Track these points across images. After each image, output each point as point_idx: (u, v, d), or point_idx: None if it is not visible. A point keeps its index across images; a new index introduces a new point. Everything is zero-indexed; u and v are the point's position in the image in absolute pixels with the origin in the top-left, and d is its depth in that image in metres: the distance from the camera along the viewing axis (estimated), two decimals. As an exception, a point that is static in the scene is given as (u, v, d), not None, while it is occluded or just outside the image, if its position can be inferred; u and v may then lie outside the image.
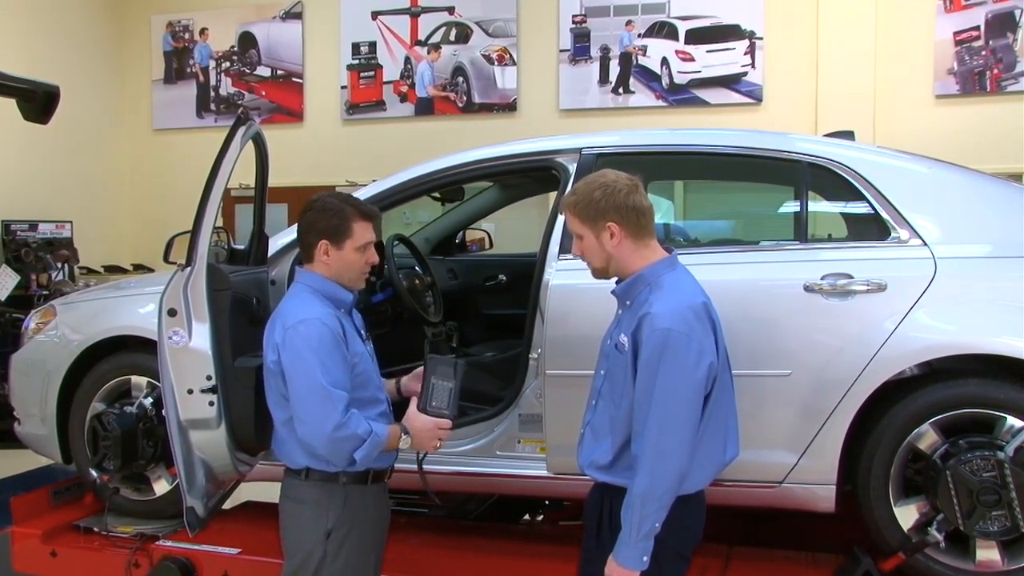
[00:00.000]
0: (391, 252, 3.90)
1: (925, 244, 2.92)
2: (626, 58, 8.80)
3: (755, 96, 8.42)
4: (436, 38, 9.40)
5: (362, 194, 3.48)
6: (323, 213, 2.66)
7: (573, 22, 8.92)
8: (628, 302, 2.46)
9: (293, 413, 2.58)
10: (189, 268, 3.04)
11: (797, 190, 3.17)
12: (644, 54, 8.74)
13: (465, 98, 9.29)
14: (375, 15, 9.55)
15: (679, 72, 8.61)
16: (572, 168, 3.30)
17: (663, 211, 5.83)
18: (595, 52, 8.86)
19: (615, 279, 2.51)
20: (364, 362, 2.69)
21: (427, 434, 2.65)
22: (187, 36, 10.32)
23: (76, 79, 9.31)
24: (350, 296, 2.73)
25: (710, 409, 2.36)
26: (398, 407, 2.84)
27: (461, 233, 4.90)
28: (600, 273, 2.52)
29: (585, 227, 2.45)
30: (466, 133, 8.83)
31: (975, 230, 2.99)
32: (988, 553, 2.77)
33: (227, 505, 3.64)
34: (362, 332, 2.81)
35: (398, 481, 2.91)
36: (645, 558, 2.27)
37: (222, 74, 10.19)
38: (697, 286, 2.44)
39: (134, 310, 3.69)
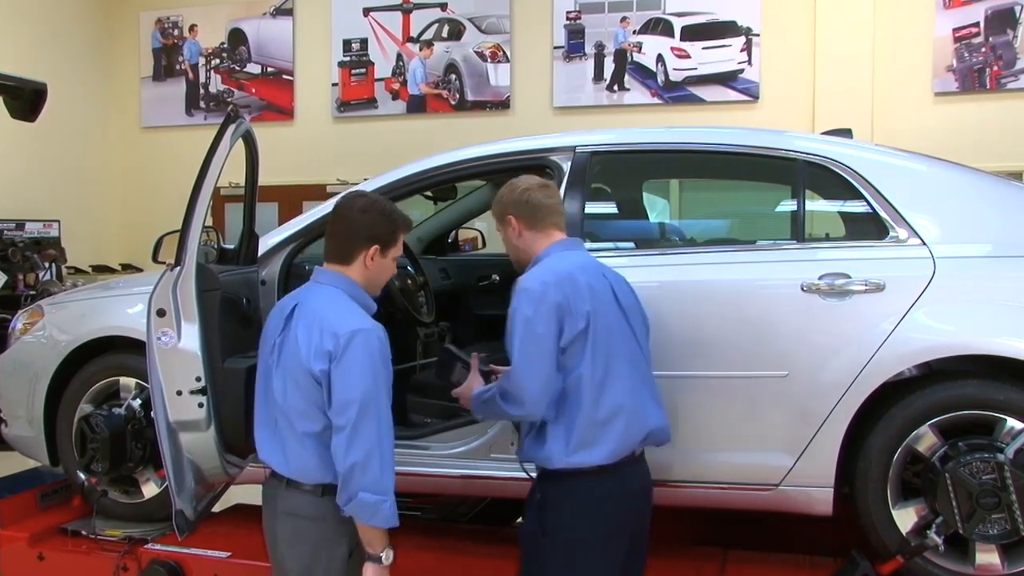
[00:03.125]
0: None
1: (924, 243, 2.90)
2: (621, 55, 8.77)
3: (752, 93, 8.40)
4: (428, 35, 9.36)
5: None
6: (382, 217, 2.58)
7: (567, 18, 8.89)
8: None
9: (340, 424, 2.37)
10: (178, 268, 3.01)
11: (794, 189, 3.15)
12: (639, 51, 8.72)
13: (458, 96, 9.26)
14: (366, 11, 9.51)
15: (675, 69, 8.60)
16: (566, 166, 3.28)
17: (658, 210, 5.82)
18: (589, 49, 8.84)
19: None
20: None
21: None
22: (176, 33, 10.27)
23: (63, 76, 9.26)
24: (375, 306, 2.63)
25: (595, 380, 2.49)
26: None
27: (454, 232, 4.87)
28: (519, 266, 2.72)
29: (499, 226, 2.75)
30: (459, 131, 8.79)
31: (975, 229, 2.97)
32: (988, 556, 2.75)
33: (216, 508, 3.60)
34: None
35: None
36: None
37: (212, 71, 10.14)
38: (578, 263, 2.60)
39: (122, 310, 3.65)
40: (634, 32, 8.73)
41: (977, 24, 7.85)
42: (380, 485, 2.36)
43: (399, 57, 9.47)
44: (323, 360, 2.39)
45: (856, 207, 3.07)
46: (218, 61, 10.11)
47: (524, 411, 2.52)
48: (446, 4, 9.29)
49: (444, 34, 9.32)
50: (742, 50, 8.40)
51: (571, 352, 2.49)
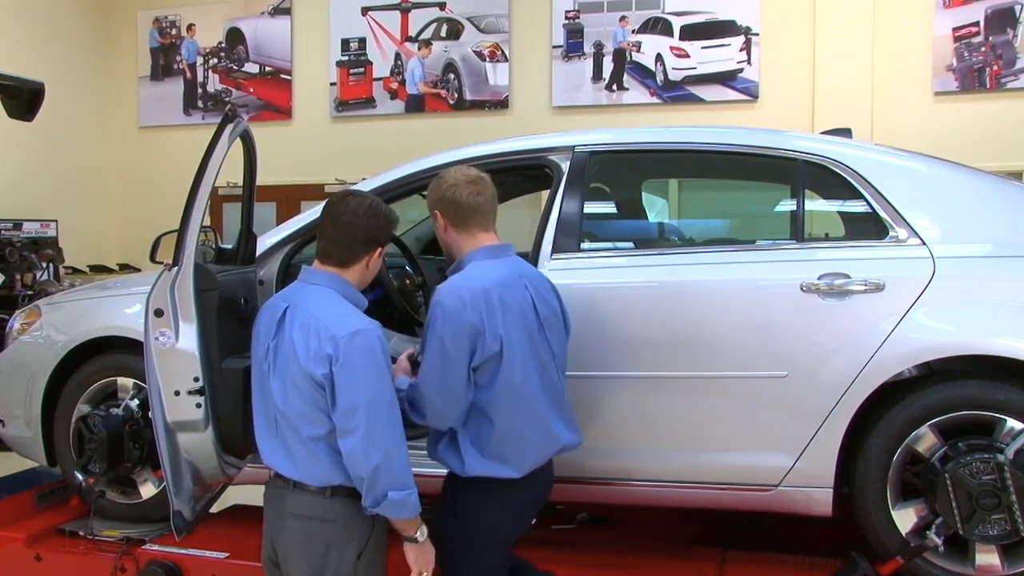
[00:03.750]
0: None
1: (924, 243, 2.89)
2: (620, 54, 8.76)
3: (751, 93, 8.39)
4: (427, 34, 9.35)
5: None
6: (385, 220, 2.60)
7: (566, 18, 8.88)
8: None
9: (343, 426, 2.37)
10: (176, 268, 3.00)
11: (794, 188, 3.14)
12: (638, 50, 8.71)
13: (456, 95, 9.25)
14: (365, 11, 9.50)
15: (674, 69, 8.59)
16: (565, 166, 3.27)
17: (657, 210, 5.81)
18: (588, 48, 8.83)
19: None
20: None
21: (431, 558, 2.54)
22: (174, 32, 10.25)
23: (61, 76, 9.25)
24: (366, 301, 2.63)
25: (506, 396, 2.52)
26: None
27: (452, 232, 4.84)
28: (448, 259, 2.74)
29: (431, 214, 2.72)
30: (457, 130, 8.78)
31: (974, 229, 2.96)
32: (988, 557, 2.75)
33: (215, 509, 3.59)
34: None
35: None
36: None
37: (209, 71, 10.12)
38: (498, 277, 2.55)
39: (120, 310, 3.64)
40: (633, 31, 8.72)
41: (977, 23, 7.84)
42: (403, 480, 2.39)
43: (397, 56, 9.45)
44: (324, 364, 2.37)
45: (856, 207, 3.06)
46: (216, 60, 10.10)
47: (426, 422, 2.58)
48: (444, 3, 9.28)
49: (443, 33, 9.31)
50: (741, 49, 8.39)
51: (483, 371, 2.51)
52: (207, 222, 3.17)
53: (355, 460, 2.37)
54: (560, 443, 2.66)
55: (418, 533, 2.48)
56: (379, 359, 2.39)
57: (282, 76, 9.87)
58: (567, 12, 8.87)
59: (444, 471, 2.69)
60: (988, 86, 7.83)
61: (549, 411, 2.60)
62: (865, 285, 2.86)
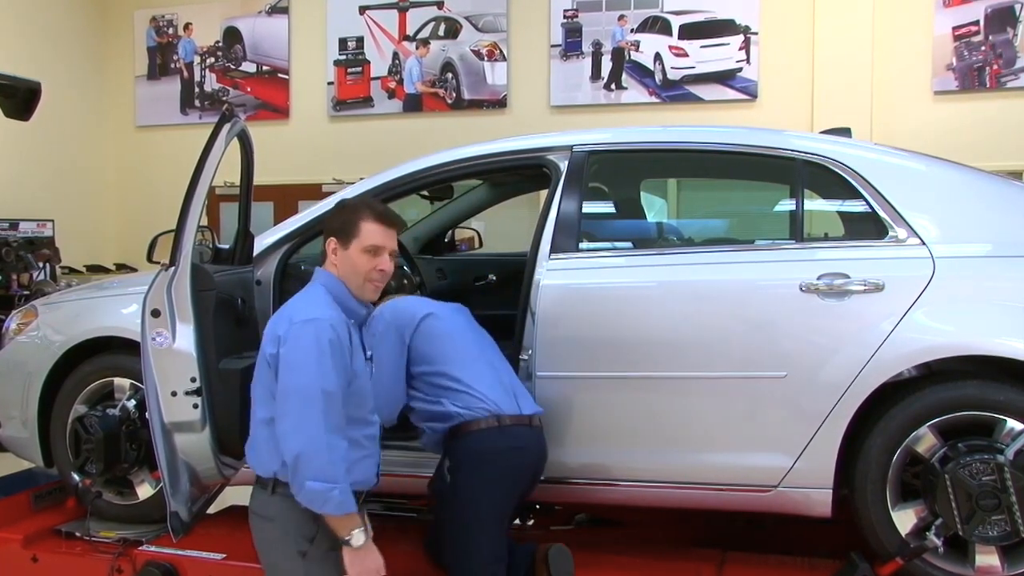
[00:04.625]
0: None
1: (923, 243, 2.88)
2: (618, 53, 8.75)
3: (750, 92, 8.38)
4: (425, 33, 9.33)
5: (349, 192, 3.43)
6: (338, 210, 2.65)
7: (564, 17, 8.86)
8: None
9: (277, 410, 2.43)
10: (173, 268, 3.00)
11: (793, 188, 3.14)
12: (637, 49, 8.70)
13: (454, 94, 9.23)
14: (362, 10, 9.48)
15: (672, 68, 8.57)
16: (563, 166, 3.26)
17: (656, 209, 5.81)
18: (587, 47, 8.82)
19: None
20: (362, 380, 2.57)
21: (370, 565, 2.47)
22: (171, 31, 10.23)
23: (58, 75, 9.22)
24: (362, 309, 2.62)
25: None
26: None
27: (450, 232, 4.85)
28: None
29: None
30: (455, 130, 8.77)
31: (974, 229, 2.95)
32: (988, 558, 2.74)
33: (212, 509, 3.61)
34: (366, 350, 2.70)
35: (387, 485, 2.87)
36: None
37: (207, 70, 10.10)
38: None
39: (117, 310, 3.63)
40: (632, 30, 8.71)
41: (977, 22, 7.83)
42: (327, 473, 2.36)
43: (395, 56, 9.44)
44: (274, 344, 2.45)
45: (855, 207, 3.06)
46: (213, 60, 10.08)
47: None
48: (442, 2, 9.26)
49: (440, 32, 9.29)
50: (740, 48, 8.38)
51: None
52: (204, 222, 3.17)
53: (282, 443, 2.40)
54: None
55: (351, 536, 2.42)
56: (325, 350, 2.39)
57: (279, 75, 9.85)
58: (565, 11, 8.85)
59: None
60: (988, 85, 7.82)
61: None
62: (864, 285, 2.86)
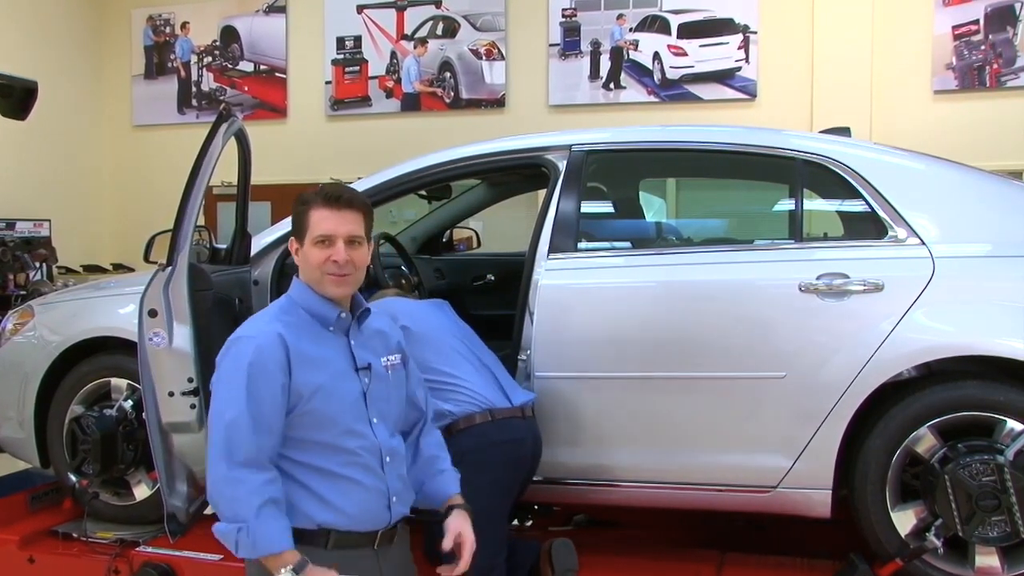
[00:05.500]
0: (377, 251, 3.87)
1: (923, 243, 2.88)
2: (617, 53, 8.74)
3: (749, 92, 8.37)
4: (423, 32, 9.32)
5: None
6: (293, 206, 2.33)
7: (563, 16, 8.85)
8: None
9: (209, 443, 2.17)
10: (170, 268, 3.00)
11: (792, 188, 3.13)
12: (635, 49, 8.69)
13: (452, 94, 9.22)
14: (360, 9, 9.47)
15: (671, 67, 8.56)
16: (562, 165, 3.25)
17: (655, 209, 5.80)
18: (585, 47, 8.80)
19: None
20: (322, 398, 2.19)
21: None
22: (168, 30, 10.21)
23: (54, 74, 9.20)
24: (332, 311, 2.27)
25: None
26: None
27: (448, 232, 4.84)
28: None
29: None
30: (453, 129, 8.76)
31: (974, 229, 2.95)
32: (987, 559, 2.73)
33: (209, 510, 3.58)
34: (359, 359, 2.30)
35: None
36: None
37: (204, 69, 10.08)
38: None
39: (114, 311, 3.62)
40: (630, 30, 8.70)
41: (977, 22, 7.82)
42: (231, 512, 2.09)
43: (393, 55, 9.42)
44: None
45: (855, 206, 3.05)
46: (210, 59, 10.06)
47: None
48: (440, 2, 9.25)
49: (438, 32, 9.28)
50: (739, 48, 8.37)
51: None
52: (201, 221, 3.16)
53: None
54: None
55: (281, 573, 2.07)
56: (235, 373, 2.13)
57: (277, 74, 9.84)
58: (564, 10, 8.84)
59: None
60: (988, 85, 7.81)
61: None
62: (864, 285, 2.85)
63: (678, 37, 8.53)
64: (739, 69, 8.38)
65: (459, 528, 2.34)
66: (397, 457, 2.34)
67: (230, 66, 9.99)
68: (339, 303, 2.30)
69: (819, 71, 8.04)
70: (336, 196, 2.27)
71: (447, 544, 2.31)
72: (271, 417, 2.14)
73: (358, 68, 9.52)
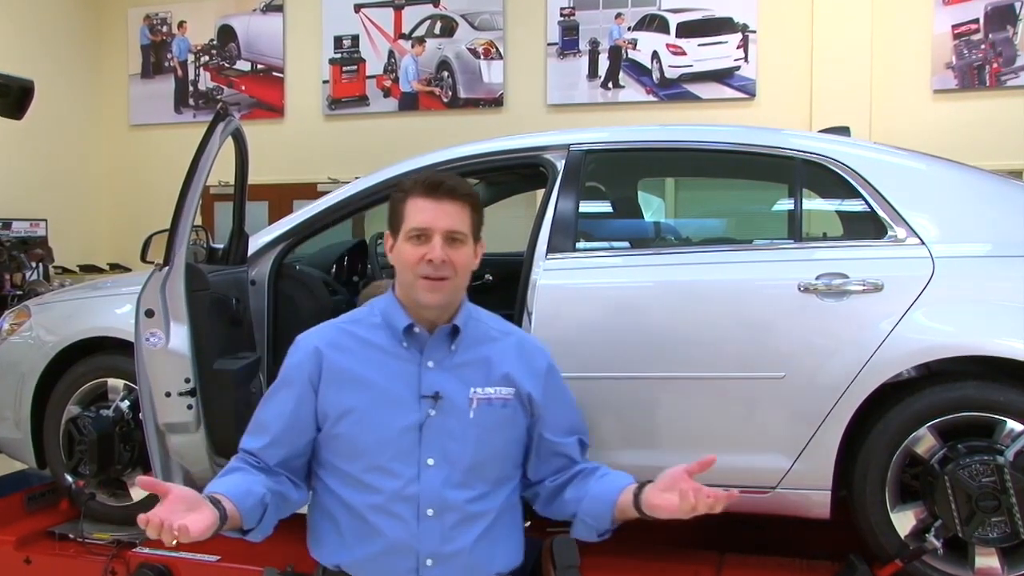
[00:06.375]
0: (374, 251, 3.87)
1: (923, 243, 2.86)
2: (616, 52, 8.74)
3: (748, 91, 8.37)
4: (420, 31, 9.31)
5: (345, 191, 3.42)
6: (392, 193, 2.09)
7: (561, 15, 8.85)
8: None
9: None
10: (167, 268, 2.99)
11: (791, 187, 3.11)
12: (634, 48, 8.69)
13: (450, 93, 9.21)
14: (358, 8, 9.46)
15: (670, 66, 8.56)
16: (560, 165, 3.24)
17: (654, 209, 5.78)
18: (584, 46, 8.80)
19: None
20: (352, 424, 1.97)
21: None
22: (165, 29, 10.20)
23: (51, 73, 9.18)
24: (400, 322, 2.01)
25: None
26: None
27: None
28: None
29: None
30: (451, 129, 8.74)
31: (974, 229, 2.94)
32: (987, 560, 2.71)
33: (207, 511, 3.57)
34: (426, 385, 2.00)
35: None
36: None
37: (201, 68, 10.07)
38: None
39: (111, 311, 3.60)
40: (629, 29, 8.70)
41: (977, 21, 7.82)
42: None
43: (391, 54, 9.41)
44: None
45: (854, 206, 3.03)
46: (207, 58, 10.04)
47: None
48: (438, 0, 9.24)
49: (436, 31, 9.27)
50: (738, 47, 8.37)
51: None
52: (198, 221, 3.15)
53: None
54: None
55: None
56: (280, 375, 2.07)
57: (274, 74, 9.82)
58: (562, 9, 8.84)
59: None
60: (988, 84, 7.81)
61: None
62: (863, 285, 2.84)
63: (677, 36, 8.53)
64: (738, 68, 8.38)
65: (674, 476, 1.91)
66: (449, 512, 1.97)
67: (227, 65, 9.98)
68: (428, 314, 2.02)
69: (818, 70, 8.04)
70: (436, 183, 1.99)
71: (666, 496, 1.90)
72: (272, 423, 2.03)
73: (355, 67, 9.51)
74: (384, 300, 2.07)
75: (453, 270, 1.98)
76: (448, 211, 1.98)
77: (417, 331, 2.02)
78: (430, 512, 1.95)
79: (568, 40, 8.84)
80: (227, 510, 1.82)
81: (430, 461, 1.96)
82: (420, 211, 1.97)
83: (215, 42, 10.02)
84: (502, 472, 2.08)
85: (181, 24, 10.14)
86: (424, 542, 1.95)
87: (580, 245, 3.17)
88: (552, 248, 3.11)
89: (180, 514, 1.71)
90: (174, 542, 1.69)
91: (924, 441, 2.78)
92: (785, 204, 3.14)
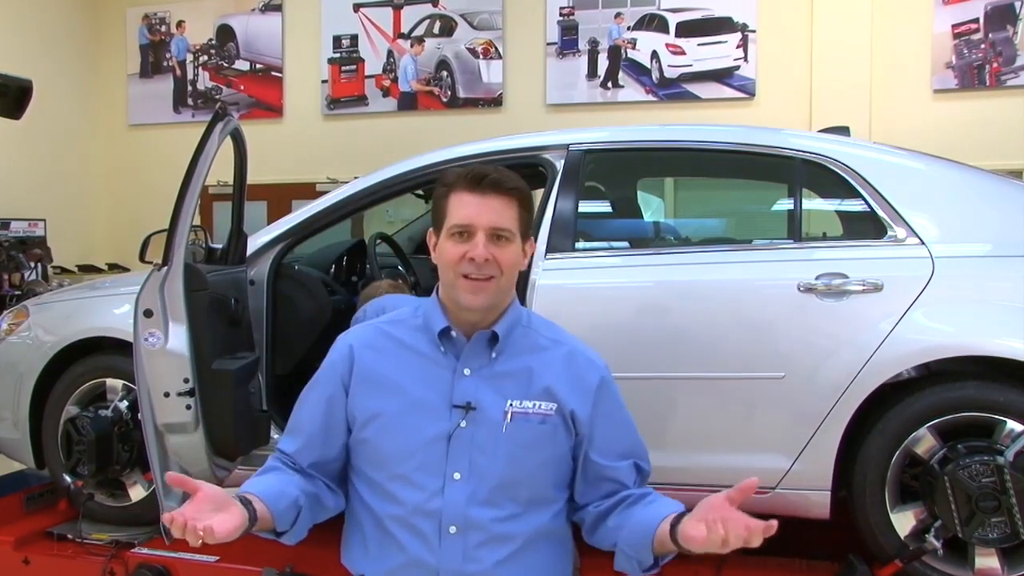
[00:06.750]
0: (373, 251, 3.87)
1: (923, 243, 2.86)
2: (615, 51, 8.73)
3: (748, 91, 8.35)
4: (419, 31, 9.30)
5: (344, 191, 3.41)
6: (436, 187, 1.97)
7: (560, 15, 8.84)
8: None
9: None
10: (165, 268, 2.98)
11: (791, 187, 3.12)
12: (633, 47, 8.68)
13: (449, 93, 9.20)
14: (357, 7, 9.45)
15: (669, 66, 8.55)
16: (559, 165, 3.24)
17: (653, 209, 5.78)
18: (583, 45, 8.79)
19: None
20: (378, 430, 1.89)
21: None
22: (163, 29, 10.18)
23: (49, 73, 9.15)
24: (437, 323, 1.91)
25: None
26: None
27: (445, 231, 4.82)
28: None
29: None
30: (450, 128, 8.73)
31: (974, 228, 2.94)
32: (987, 560, 2.71)
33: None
34: (458, 393, 1.88)
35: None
36: None
37: (199, 68, 10.06)
38: None
39: (109, 311, 3.60)
40: (628, 28, 8.69)
41: (977, 20, 7.81)
42: None
43: (390, 54, 9.40)
44: None
45: (854, 206, 3.04)
46: (206, 58, 10.03)
47: None
48: (437, 0, 9.23)
49: (435, 30, 9.26)
50: (738, 46, 8.35)
51: None
52: (197, 221, 3.14)
53: None
54: None
55: None
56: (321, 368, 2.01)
57: (273, 73, 9.81)
58: (561, 9, 8.83)
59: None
60: (988, 84, 7.79)
61: None
62: (863, 285, 2.84)
63: (676, 36, 8.51)
64: (738, 68, 8.37)
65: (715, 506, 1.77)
66: (473, 531, 1.86)
67: (226, 65, 9.96)
68: (470, 316, 1.89)
69: (818, 70, 8.03)
70: (480, 176, 1.88)
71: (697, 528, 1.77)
72: (306, 424, 1.96)
73: (354, 67, 9.50)
74: (429, 301, 1.96)
75: (498, 270, 1.84)
76: (493, 206, 1.86)
77: (454, 335, 1.91)
78: (453, 529, 1.85)
79: (567, 40, 8.83)
80: (257, 511, 1.76)
81: (456, 475, 1.85)
82: (463, 206, 1.86)
83: (214, 42, 10.01)
84: (536, 493, 1.93)
85: (180, 24, 10.13)
86: (445, 560, 1.85)
87: (579, 245, 3.17)
88: (551, 248, 3.10)
89: (207, 514, 1.66)
90: (199, 543, 1.64)
91: (924, 441, 2.78)
92: (785, 204, 3.14)
